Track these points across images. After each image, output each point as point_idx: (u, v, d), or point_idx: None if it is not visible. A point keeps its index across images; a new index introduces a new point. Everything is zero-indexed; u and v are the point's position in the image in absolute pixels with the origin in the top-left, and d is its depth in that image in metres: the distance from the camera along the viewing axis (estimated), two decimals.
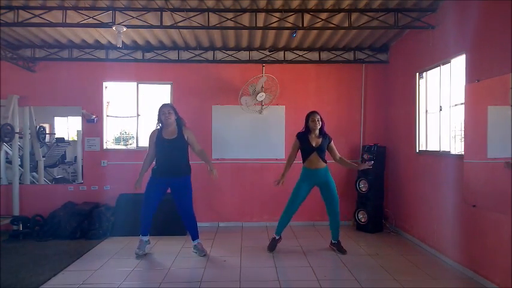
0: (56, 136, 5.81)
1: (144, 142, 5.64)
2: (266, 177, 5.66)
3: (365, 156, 5.36)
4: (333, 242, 4.32)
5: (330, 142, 4.24)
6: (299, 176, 4.27)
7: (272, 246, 4.30)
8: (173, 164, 4.02)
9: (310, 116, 4.19)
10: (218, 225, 5.62)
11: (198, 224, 5.45)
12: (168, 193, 4.17)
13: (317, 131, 4.16)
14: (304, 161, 4.23)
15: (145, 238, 4.21)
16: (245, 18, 4.45)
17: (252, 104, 5.44)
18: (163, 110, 3.99)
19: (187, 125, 4.21)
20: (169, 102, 4.10)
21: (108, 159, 5.56)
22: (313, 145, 4.14)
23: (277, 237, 4.34)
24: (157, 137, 4.03)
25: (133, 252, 4.17)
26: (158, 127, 4.10)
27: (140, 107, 5.62)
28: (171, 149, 3.99)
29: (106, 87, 5.69)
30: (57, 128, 5.86)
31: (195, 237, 4.20)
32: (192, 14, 4.24)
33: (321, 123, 4.16)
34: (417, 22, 4.32)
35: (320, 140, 4.16)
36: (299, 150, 4.25)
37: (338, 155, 4.32)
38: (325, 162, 4.22)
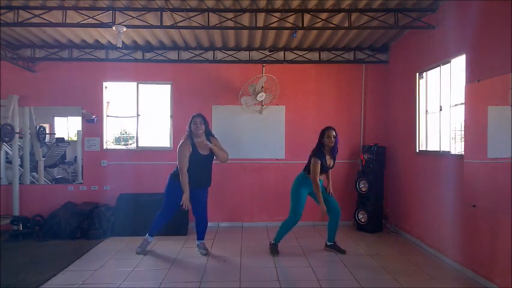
0: (56, 136, 5.82)
1: (144, 142, 5.66)
2: (266, 177, 5.66)
3: (365, 156, 5.36)
4: (328, 244, 4.28)
5: (335, 157, 4.11)
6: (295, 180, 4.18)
7: (275, 250, 4.21)
8: (204, 177, 4.13)
9: (326, 132, 3.98)
10: (218, 225, 5.62)
11: None
12: None
13: (330, 148, 4.00)
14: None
15: (151, 239, 4.26)
16: (245, 18, 4.45)
17: (252, 104, 5.44)
18: (196, 120, 4.03)
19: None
20: (200, 113, 4.10)
21: (108, 159, 5.56)
22: (328, 166, 4.05)
23: (276, 243, 4.26)
24: (192, 151, 3.99)
25: (133, 253, 4.19)
26: (187, 137, 4.04)
27: (140, 107, 5.62)
28: (206, 164, 4.10)
29: (106, 87, 5.69)
30: (57, 128, 5.87)
31: (201, 237, 4.28)
32: (192, 14, 4.24)
33: (335, 140, 3.98)
34: (417, 22, 4.32)
35: (332, 161, 4.08)
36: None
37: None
38: None
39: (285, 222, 4.21)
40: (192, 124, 4.03)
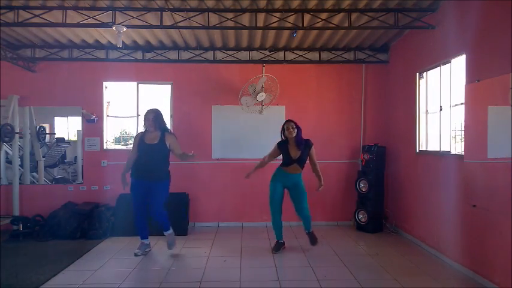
0: (56, 136, 5.81)
1: None
2: (266, 178, 5.61)
3: (365, 156, 5.36)
4: (306, 232, 4.39)
5: (310, 149, 4.20)
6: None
7: (277, 247, 4.29)
8: (151, 168, 4.06)
9: (285, 125, 4.20)
10: (218, 225, 5.62)
11: (199, 224, 5.54)
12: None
13: (294, 140, 4.14)
14: (282, 165, 4.27)
15: (146, 241, 4.26)
16: (245, 18, 4.45)
17: (252, 104, 5.44)
18: (148, 116, 4.08)
19: (183, 127, 4.24)
20: (155, 108, 4.14)
21: (108, 159, 5.56)
22: (292, 157, 4.16)
23: (280, 241, 4.34)
24: (139, 141, 4.11)
25: (133, 252, 4.17)
26: (143, 130, 4.18)
27: (140, 107, 5.62)
28: (151, 154, 4.05)
29: (106, 87, 5.69)
30: (57, 128, 5.86)
31: (165, 228, 4.24)
32: (192, 14, 4.24)
33: (296, 130, 4.13)
34: (417, 22, 4.32)
35: (299, 152, 4.14)
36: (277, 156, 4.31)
37: (315, 161, 4.26)
38: (302, 169, 4.25)
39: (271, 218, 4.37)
40: (144, 121, 4.11)
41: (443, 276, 3.55)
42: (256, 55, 5.69)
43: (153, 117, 4.07)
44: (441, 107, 4.15)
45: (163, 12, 4.22)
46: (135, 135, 4.24)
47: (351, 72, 5.72)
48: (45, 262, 3.89)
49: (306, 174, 4.35)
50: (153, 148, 4.05)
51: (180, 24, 4.35)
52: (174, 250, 4.29)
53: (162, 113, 4.18)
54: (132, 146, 4.19)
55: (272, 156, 4.33)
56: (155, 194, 4.09)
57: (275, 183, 4.27)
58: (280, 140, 4.30)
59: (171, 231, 4.27)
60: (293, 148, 4.17)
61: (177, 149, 4.15)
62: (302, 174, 4.31)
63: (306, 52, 5.67)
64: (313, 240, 4.35)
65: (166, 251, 4.32)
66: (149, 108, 4.16)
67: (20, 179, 5.39)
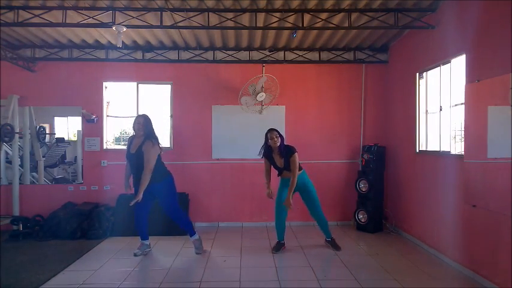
0: (56, 136, 5.81)
1: None
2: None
3: (365, 156, 5.36)
4: (327, 239, 4.41)
5: (290, 157, 4.06)
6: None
7: (277, 247, 4.30)
8: (140, 176, 3.94)
9: (268, 134, 4.16)
10: (218, 225, 5.62)
11: (199, 224, 5.54)
12: None
13: (277, 149, 4.13)
14: (278, 175, 4.30)
15: (146, 242, 4.26)
16: (245, 18, 4.45)
17: (252, 104, 5.44)
18: (139, 120, 4.06)
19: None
20: (145, 114, 4.15)
21: (108, 159, 5.56)
22: (278, 165, 4.19)
23: (281, 242, 4.35)
24: (127, 149, 4.13)
25: (133, 253, 4.17)
26: (133, 135, 4.18)
27: (140, 107, 5.62)
28: (136, 162, 3.98)
29: (106, 87, 5.69)
30: (57, 128, 5.86)
31: (191, 233, 4.23)
32: (192, 14, 4.24)
33: (279, 139, 4.11)
34: (417, 22, 4.32)
35: (283, 160, 4.14)
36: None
37: (292, 169, 4.06)
38: (301, 169, 4.24)
39: (275, 219, 4.35)
40: (135, 125, 4.07)
41: (443, 276, 3.55)
42: (256, 55, 5.69)
43: (144, 121, 4.04)
44: (441, 107, 4.15)
45: (163, 12, 4.22)
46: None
47: (351, 72, 5.72)
48: (45, 262, 3.89)
49: (312, 177, 4.37)
50: (134, 157, 4.00)
51: (180, 24, 4.34)
52: (200, 251, 4.25)
53: (151, 120, 4.12)
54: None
55: (267, 170, 4.31)
56: (159, 196, 4.12)
57: (282, 188, 4.25)
58: (262, 149, 4.24)
59: (196, 237, 4.23)
60: (277, 156, 4.18)
61: (146, 160, 3.87)
62: (306, 172, 4.30)
63: (306, 52, 5.67)
64: (335, 247, 4.31)
65: (167, 251, 4.33)
66: (138, 114, 4.16)
67: (20, 179, 5.39)
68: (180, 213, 4.22)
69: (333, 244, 4.35)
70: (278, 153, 4.16)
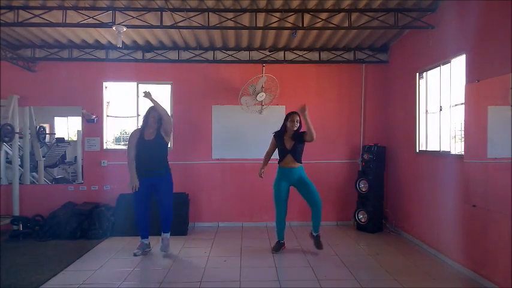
0: (56, 136, 5.81)
1: None
2: (266, 177, 5.60)
3: (365, 156, 5.36)
4: (313, 233, 4.33)
5: (302, 135, 4.14)
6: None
7: (277, 247, 4.30)
8: (153, 164, 4.09)
9: (290, 116, 4.19)
10: (218, 225, 5.62)
11: (199, 224, 5.55)
12: None
13: (293, 133, 4.16)
14: (279, 161, 4.28)
15: (146, 241, 4.24)
16: (245, 18, 4.45)
17: (252, 104, 5.44)
18: (154, 113, 4.12)
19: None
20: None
21: (108, 159, 5.56)
22: (287, 147, 4.17)
23: (281, 241, 4.34)
24: (139, 137, 4.13)
25: (132, 253, 4.17)
26: (140, 127, 4.23)
27: (140, 107, 5.62)
28: (152, 149, 4.09)
29: (106, 87, 5.69)
30: (57, 128, 5.86)
31: (166, 230, 4.24)
32: (192, 14, 4.24)
33: (299, 125, 4.15)
34: (417, 22, 4.32)
35: (293, 142, 4.16)
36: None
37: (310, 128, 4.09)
38: (300, 162, 4.23)
39: (275, 218, 4.32)
40: (149, 118, 4.12)
41: (443, 276, 3.55)
42: (256, 55, 5.69)
43: (158, 115, 4.11)
44: (441, 107, 4.15)
45: (163, 12, 4.22)
46: (131, 133, 4.26)
47: (351, 72, 5.72)
48: (45, 262, 3.89)
49: (311, 177, 4.35)
50: (152, 144, 4.09)
51: (180, 24, 4.35)
52: (171, 251, 4.25)
53: None
54: (130, 145, 4.15)
55: (272, 147, 4.36)
56: (163, 190, 4.15)
57: (279, 182, 4.25)
58: (277, 130, 4.29)
59: (168, 235, 4.26)
60: (288, 139, 4.20)
61: (168, 122, 4.16)
62: (304, 169, 4.28)
63: (306, 52, 5.67)
64: (318, 244, 4.28)
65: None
66: (151, 106, 4.16)
67: (20, 179, 5.39)
68: (171, 212, 4.24)
69: (317, 241, 4.28)
70: (291, 137, 4.19)
